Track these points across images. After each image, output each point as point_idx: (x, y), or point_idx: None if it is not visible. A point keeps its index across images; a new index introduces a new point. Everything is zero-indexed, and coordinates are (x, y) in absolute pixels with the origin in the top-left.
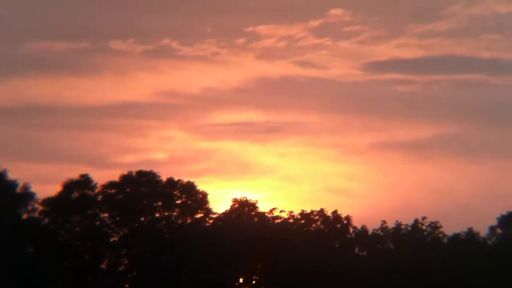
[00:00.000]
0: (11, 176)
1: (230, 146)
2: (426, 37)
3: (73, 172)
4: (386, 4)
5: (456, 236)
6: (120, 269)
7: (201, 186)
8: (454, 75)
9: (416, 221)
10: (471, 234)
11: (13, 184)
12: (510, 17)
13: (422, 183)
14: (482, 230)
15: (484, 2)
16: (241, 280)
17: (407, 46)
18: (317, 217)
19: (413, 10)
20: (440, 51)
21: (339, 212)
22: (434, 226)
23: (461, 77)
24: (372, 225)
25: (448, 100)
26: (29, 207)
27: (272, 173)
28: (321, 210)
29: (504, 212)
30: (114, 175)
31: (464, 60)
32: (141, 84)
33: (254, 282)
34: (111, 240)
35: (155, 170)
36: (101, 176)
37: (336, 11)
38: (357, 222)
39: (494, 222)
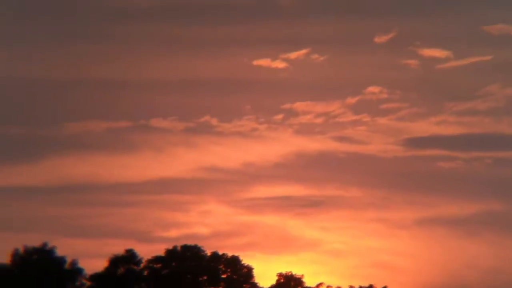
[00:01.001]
0: (59, 252)
1: (271, 220)
2: (465, 114)
3: (118, 247)
4: (423, 83)
5: None
6: None
7: (244, 260)
8: (496, 152)
9: None
10: None
11: (61, 261)
12: None
13: (470, 260)
14: None
15: None
16: None
17: (447, 123)
18: None
19: (450, 90)
20: (480, 128)
21: None
22: None
23: (503, 154)
24: None
25: (491, 176)
26: (77, 283)
27: (315, 247)
28: (370, 286)
29: None
30: (157, 249)
31: (505, 138)
32: (181, 160)
33: None
34: None
35: (197, 243)
36: (145, 251)
37: (373, 89)
38: None
39: None
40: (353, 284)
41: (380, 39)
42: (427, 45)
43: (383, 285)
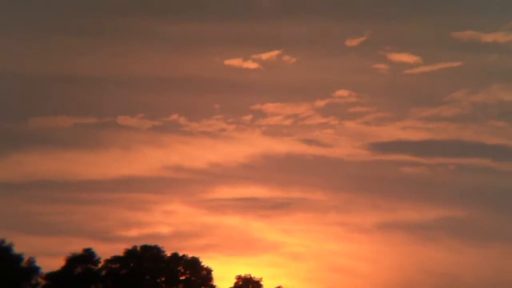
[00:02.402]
0: (16, 250)
1: (234, 221)
2: (431, 120)
3: (77, 246)
4: (391, 88)
5: None
6: None
7: (205, 261)
8: (459, 159)
9: None
10: None
11: (18, 258)
12: None
13: (428, 265)
14: None
15: (488, 90)
16: None
17: (413, 128)
18: None
19: (418, 95)
20: (446, 135)
21: None
22: None
23: (466, 161)
24: None
25: (454, 183)
26: (33, 281)
27: (276, 250)
28: None
29: None
30: (118, 249)
31: (470, 145)
32: (147, 159)
33: None
34: None
35: (159, 244)
36: (105, 250)
37: (342, 92)
38: None
39: None
40: None
41: (351, 42)
42: (397, 50)
43: None
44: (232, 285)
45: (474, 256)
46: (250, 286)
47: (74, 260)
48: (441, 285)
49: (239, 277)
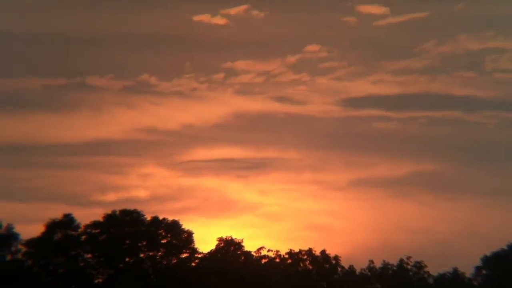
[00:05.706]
0: None
1: (211, 183)
2: (401, 74)
3: (54, 211)
4: (361, 41)
5: (442, 276)
6: None
7: (185, 224)
8: (430, 112)
9: (401, 261)
10: (456, 274)
11: None
12: (482, 54)
13: (402, 220)
14: (465, 269)
15: (456, 40)
16: None
17: (383, 82)
18: (305, 256)
19: (387, 47)
20: (415, 88)
21: (327, 252)
22: (419, 265)
23: (436, 113)
24: (356, 263)
25: (424, 136)
26: (13, 248)
27: (254, 210)
28: (310, 250)
29: (488, 253)
30: (95, 213)
31: (439, 97)
32: (119, 121)
33: None
34: (96, 281)
35: (137, 207)
36: (82, 215)
37: (312, 47)
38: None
39: (477, 261)
40: (289, 247)
41: None
42: (365, 0)
43: (321, 248)
44: (213, 247)
45: (447, 209)
46: (232, 248)
47: (53, 226)
48: (415, 239)
49: (220, 239)
